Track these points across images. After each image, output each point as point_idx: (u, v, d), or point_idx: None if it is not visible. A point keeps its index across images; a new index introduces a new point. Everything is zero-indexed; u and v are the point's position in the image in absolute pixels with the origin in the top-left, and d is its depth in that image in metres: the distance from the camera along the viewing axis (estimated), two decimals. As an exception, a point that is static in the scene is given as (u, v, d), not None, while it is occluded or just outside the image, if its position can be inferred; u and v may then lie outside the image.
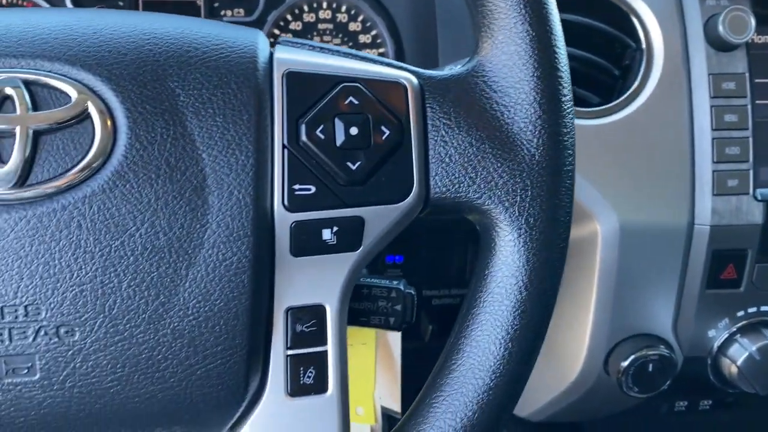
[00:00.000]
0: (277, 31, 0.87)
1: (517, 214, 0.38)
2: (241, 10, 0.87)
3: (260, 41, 0.38)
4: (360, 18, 0.88)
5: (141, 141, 0.34)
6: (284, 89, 0.37)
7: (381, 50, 0.89)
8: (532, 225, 0.38)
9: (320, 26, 0.88)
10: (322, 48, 0.40)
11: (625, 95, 0.68)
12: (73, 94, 0.34)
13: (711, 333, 0.71)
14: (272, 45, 0.40)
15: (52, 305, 0.33)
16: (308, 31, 0.88)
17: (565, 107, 0.39)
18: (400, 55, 0.87)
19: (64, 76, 0.34)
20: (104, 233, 0.34)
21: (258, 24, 0.86)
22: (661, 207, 0.67)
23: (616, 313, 0.70)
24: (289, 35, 0.87)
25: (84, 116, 0.34)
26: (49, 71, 0.34)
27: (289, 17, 0.88)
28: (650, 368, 0.70)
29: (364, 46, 0.89)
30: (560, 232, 0.39)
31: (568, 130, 0.39)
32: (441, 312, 0.81)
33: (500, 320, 0.38)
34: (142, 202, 0.34)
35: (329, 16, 0.89)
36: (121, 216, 0.34)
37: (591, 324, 0.71)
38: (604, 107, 0.67)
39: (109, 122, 0.34)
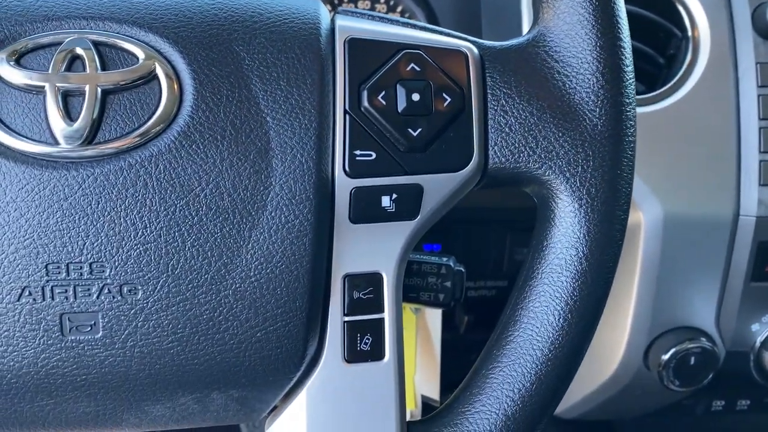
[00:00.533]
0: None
1: (578, 184, 0.37)
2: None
3: (321, 9, 0.39)
4: (399, 9, 0.89)
5: (207, 102, 0.35)
6: (346, 55, 0.37)
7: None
8: (594, 195, 0.37)
9: (359, 17, 0.88)
10: (381, 17, 0.40)
11: (670, 84, 0.67)
12: (140, 55, 0.34)
13: (754, 327, 0.70)
14: (332, 13, 0.40)
15: (116, 263, 0.34)
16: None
17: (627, 77, 0.38)
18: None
19: (132, 37, 0.35)
20: (169, 193, 0.34)
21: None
22: (706, 197, 0.66)
23: (658, 305, 0.69)
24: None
25: (151, 77, 0.34)
26: (117, 32, 0.35)
27: (329, 8, 0.88)
28: (692, 361, 0.69)
29: (402, 38, 0.88)
30: (621, 203, 0.38)
31: (630, 100, 0.39)
32: (477, 304, 0.81)
33: (560, 291, 0.37)
34: (208, 163, 0.34)
35: (368, 7, 0.89)
36: (187, 176, 0.34)
37: (631, 316, 0.70)
38: (648, 95, 0.66)
39: (175, 84, 0.34)
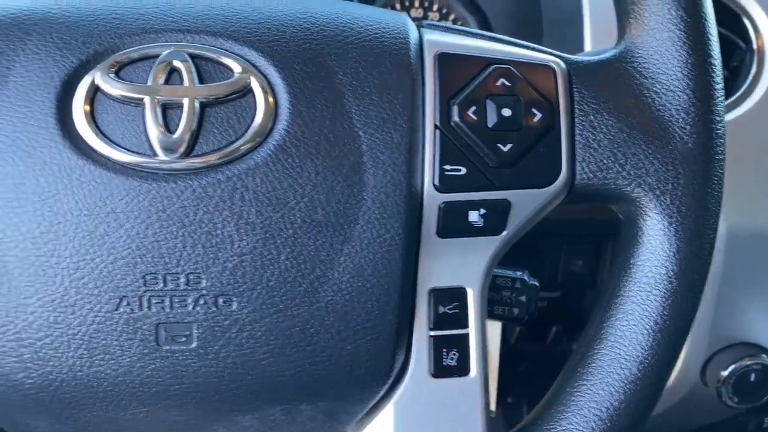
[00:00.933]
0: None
1: (668, 202, 0.37)
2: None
3: (408, 23, 0.39)
4: (451, 17, 0.89)
5: (302, 117, 0.35)
6: (436, 70, 0.37)
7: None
8: (684, 214, 0.37)
9: (410, 25, 0.88)
10: (467, 31, 0.40)
11: (734, 97, 0.66)
12: (236, 68, 0.35)
13: (817, 344, 0.69)
14: (419, 26, 0.40)
15: (212, 275, 0.34)
16: (399, 30, 0.87)
17: (718, 95, 0.38)
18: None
19: (228, 51, 0.35)
20: (265, 205, 0.34)
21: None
22: (770, 212, 0.65)
23: (717, 320, 0.68)
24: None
25: (246, 91, 0.35)
26: (213, 46, 0.35)
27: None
28: (752, 378, 0.68)
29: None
30: (711, 222, 0.38)
31: (720, 118, 0.38)
32: None
33: (649, 311, 0.37)
34: (303, 177, 0.34)
35: (420, 15, 0.89)
36: (282, 189, 0.34)
37: (690, 331, 0.69)
38: (712, 108, 0.65)
39: (270, 98, 0.35)
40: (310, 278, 0.35)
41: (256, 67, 0.35)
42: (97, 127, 0.34)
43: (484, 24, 0.87)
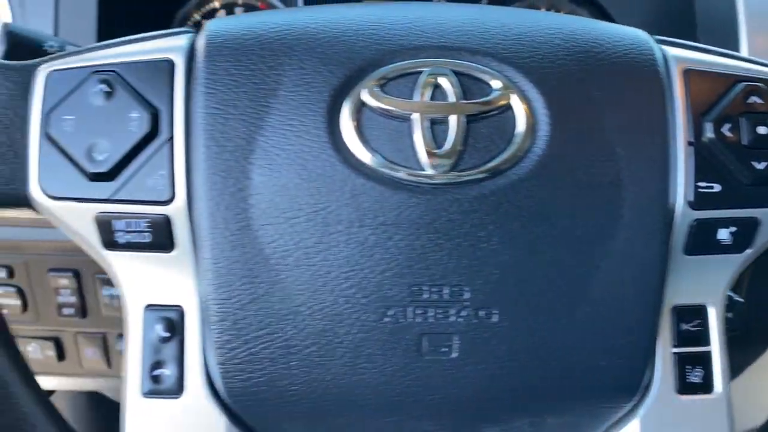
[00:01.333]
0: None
1: None
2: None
3: (650, 39, 0.39)
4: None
5: (561, 133, 0.35)
6: (686, 87, 0.37)
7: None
8: None
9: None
10: (702, 48, 0.40)
11: None
12: (496, 85, 0.35)
13: None
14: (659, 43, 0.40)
15: (475, 287, 0.35)
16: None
17: None
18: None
19: (488, 67, 0.36)
20: (528, 220, 0.35)
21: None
22: None
23: None
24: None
25: (506, 107, 0.35)
26: (472, 62, 0.36)
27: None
28: None
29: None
30: None
31: None
32: None
33: None
34: (563, 192, 0.35)
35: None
36: (544, 204, 0.35)
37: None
38: None
39: (529, 113, 0.35)
40: (569, 293, 0.35)
41: (514, 83, 0.36)
42: (365, 140, 0.35)
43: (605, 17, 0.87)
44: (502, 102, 0.35)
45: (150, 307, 0.36)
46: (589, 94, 0.36)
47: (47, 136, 0.35)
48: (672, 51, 0.38)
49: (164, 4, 0.84)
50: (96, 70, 0.36)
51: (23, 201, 0.36)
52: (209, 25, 0.37)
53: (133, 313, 0.36)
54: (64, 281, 0.64)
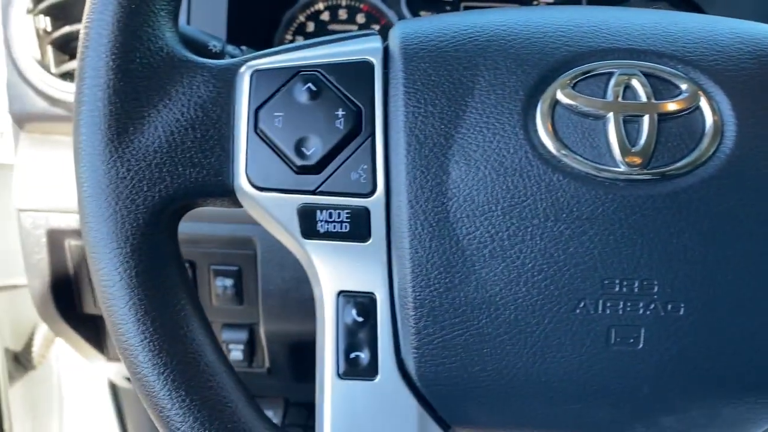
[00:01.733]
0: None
1: None
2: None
3: None
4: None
5: (748, 134, 0.36)
6: None
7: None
8: None
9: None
10: None
11: None
12: (685, 87, 0.36)
13: None
14: None
15: (665, 282, 0.36)
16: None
17: None
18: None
19: (675, 69, 0.37)
20: (717, 218, 0.36)
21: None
22: None
23: None
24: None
25: (695, 108, 0.36)
26: (661, 65, 0.37)
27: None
28: None
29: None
30: None
31: None
32: None
33: None
34: (751, 192, 0.36)
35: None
36: (732, 203, 0.36)
37: None
38: None
39: (716, 116, 0.36)
40: (755, 291, 0.36)
41: (701, 86, 0.37)
42: (559, 137, 0.36)
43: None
44: (692, 103, 0.36)
45: (343, 293, 0.38)
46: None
47: (257, 132, 0.37)
48: None
49: (271, 6, 0.87)
50: (300, 70, 0.38)
51: (228, 192, 0.38)
52: (400, 28, 0.39)
53: (327, 299, 0.38)
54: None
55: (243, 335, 0.82)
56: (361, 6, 0.89)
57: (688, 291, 0.36)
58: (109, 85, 0.36)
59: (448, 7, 0.88)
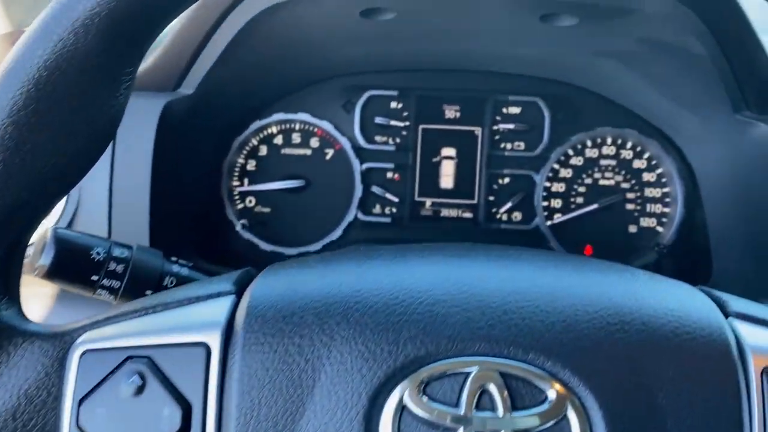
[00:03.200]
0: (557, 166, 0.84)
1: None
2: (522, 144, 0.85)
3: (725, 324, 0.35)
4: (646, 155, 0.84)
5: None
6: (761, 386, 0.33)
7: (666, 189, 0.83)
8: None
9: (602, 162, 0.84)
10: None
11: None
12: (551, 393, 0.32)
13: None
14: (725, 315, 0.36)
15: None
16: (589, 167, 0.84)
17: None
18: (691, 197, 0.80)
19: (541, 368, 0.33)
20: None
21: (540, 160, 0.84)
22: None
23: None
24: (569, 172, 0.82)
25: (561, 417, 0.32)
26: (524, 360, 0.33)
27: (570, 152, 0.85)
28: None
29: (648, 184, 0.84)
30: None
31: None
32: None
33: None
34: None
35: (613, 152, 0.85)
36: None
37: None
38: None
39: (585, 425, 0.32)
40: None
41: (569, 388, 0.32)
42: None
43: (683, 163, 0.82)
44: (558, 414, 0.32)
45: None
46: (653, 401, 0.32)
47: (78, 428, 0.34)
48: (750, 338, 0.34)
49: (221, 131, 0.84)
50: (130, 355, 0.34)
51: None
52: (248, 301, 0.36)
53: None
54: None
55: None
56: (315, 131, 0.86)
57: None
58: None
59: (403, 132, 0.85)
